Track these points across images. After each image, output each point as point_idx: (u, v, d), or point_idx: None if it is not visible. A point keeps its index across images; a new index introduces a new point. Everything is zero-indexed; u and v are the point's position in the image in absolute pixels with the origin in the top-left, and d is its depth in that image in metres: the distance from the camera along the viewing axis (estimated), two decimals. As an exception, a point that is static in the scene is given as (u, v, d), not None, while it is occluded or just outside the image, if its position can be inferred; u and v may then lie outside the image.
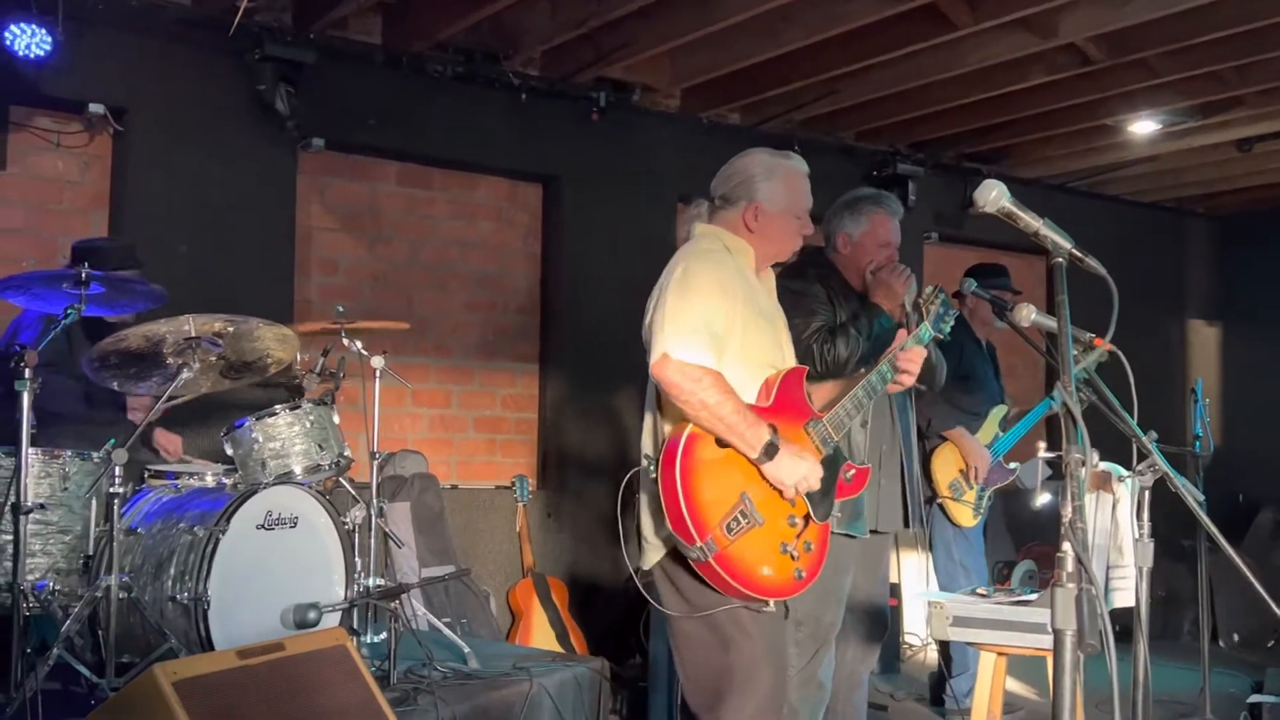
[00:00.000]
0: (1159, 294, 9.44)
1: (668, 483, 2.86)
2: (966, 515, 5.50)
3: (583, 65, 6.31)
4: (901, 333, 3.34)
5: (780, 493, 2.97)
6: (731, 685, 2.99)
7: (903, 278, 3.95)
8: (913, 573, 7.41)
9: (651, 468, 2.96)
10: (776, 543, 2.96)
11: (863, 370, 3.36)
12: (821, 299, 3.92)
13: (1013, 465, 5.60)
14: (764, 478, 2.95)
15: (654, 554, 3.04)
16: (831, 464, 3.11)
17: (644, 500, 3.05)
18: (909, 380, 3.28)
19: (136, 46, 5.39)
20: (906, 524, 4.07)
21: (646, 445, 3.10)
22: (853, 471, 3.20)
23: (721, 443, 2.93)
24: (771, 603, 2.97)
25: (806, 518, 3.03)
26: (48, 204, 5.42)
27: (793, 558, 2.98)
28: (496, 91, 6.34)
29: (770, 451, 2.91)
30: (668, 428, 3.01)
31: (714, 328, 2.98)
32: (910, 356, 3.25)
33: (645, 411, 3.14)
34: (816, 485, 3.01)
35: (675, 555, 2.96)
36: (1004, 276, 5.73)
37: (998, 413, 5.64)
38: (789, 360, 3.26)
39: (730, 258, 3.17)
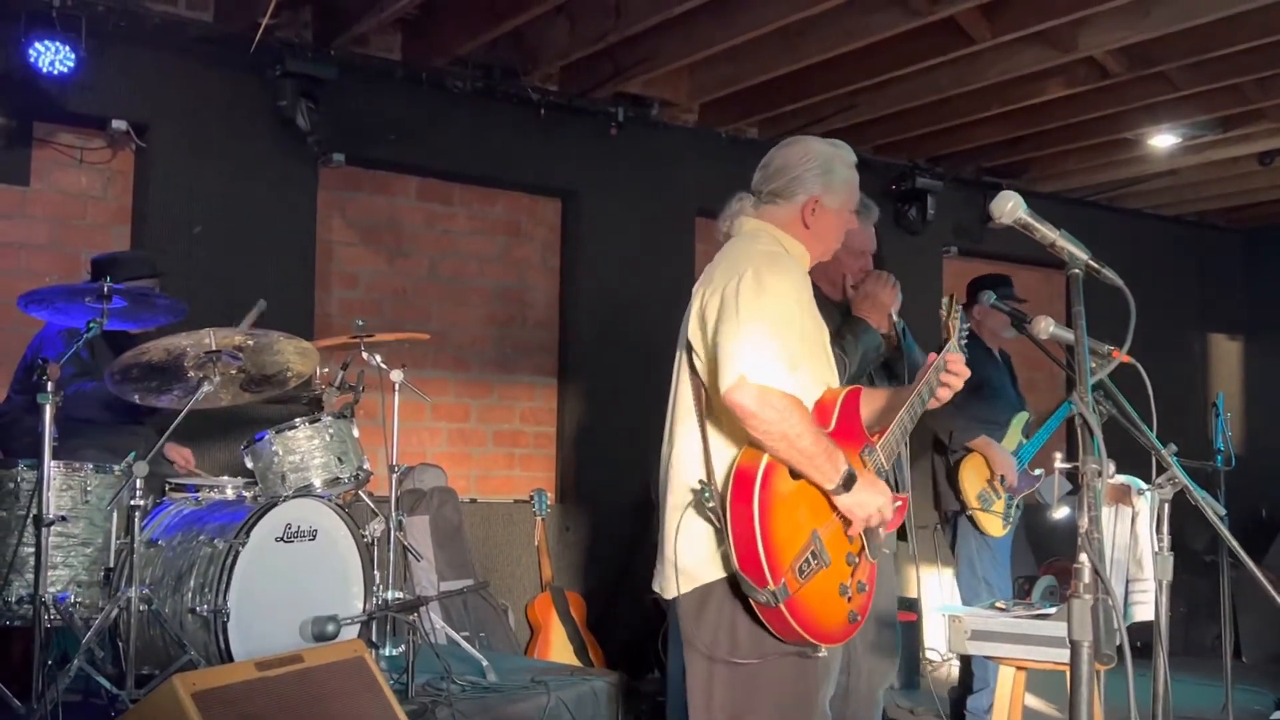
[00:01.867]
0: (1180, 308, 9.40)
1: (742, 518, 2.59)
2: (996, 525, 5.44)
3: (601, 80, 6.34)
4: (932, 355, 3.21)
5: (844, 529, 2.75)
6: None
7: (889, 287, 3.78)
8: (934, 588, 7.38)
9: (707, 493, 2.67)
10: (837, 584, 2.74)
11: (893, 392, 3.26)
12: None
13: (1038, 472, 5.55)
14: (833, 510, 2.73)
15: (689, 582, 2.74)
16: None
17: (689, 522, 2.74)
18: (947, 394, 3.05)
19: (158, 63, 5.44)
20: (902, 538, 3.96)
21: (690, 465, 2.78)
22: (898, 503, 2.95)
23: (794, 473, 2.67)
24: (823, 649, 2.73)
25: (860, 554, 2.81)
26: (71, 219, 5.47)
27: (848, 599, 2.77)
28: (515, 107, 6.36)
29: (849, 482, 2.68)
30: (728, 451, 2.73)
31: (790, 345, 2.72)
32: (955, 369, 3.04)
33: (681, 425, 2.85)
34: (889, 517, 2.79)
35: (732, 590, 2.67)
36: (1009, 286, 5.72)
37: (1020, 419, 5.61)
38: (835, 377, 3.01)
39: (794, 262, 2.91)
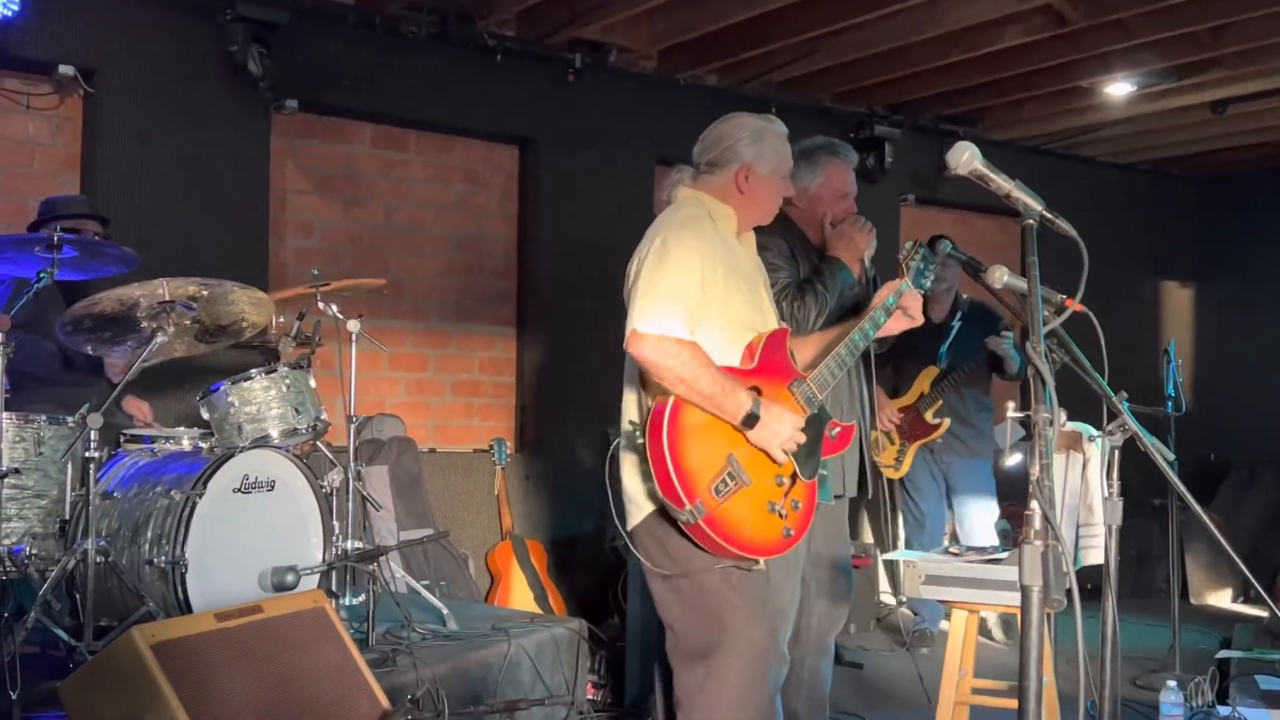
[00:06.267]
0: (1134, 255, 9.50)
1: (655, 448, 2.91)
2: (889, 470, 6.08)
3: (558, 26, 6.27)
4: (886, 288, 3.33)
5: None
6: (721, 643, 3.04)
7: (865, 230, 3.88)
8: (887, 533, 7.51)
9: (638, 433, 3.00)
10: (764, 502, 3.01)
11: (844, 327, 3.37)
12: (785, 254, 3.82)
13: (937, 420, 5.95)
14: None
15: (638, 514, 3.09)
16: (816, 422, 3.15)
17: (629, 462, 3.10)
18: (914, 321, 3.34)
19: (106, 6, 5.32)
20: (863, 489, 4.04)
21: (630, 411, 3.14)
22: (838, 429, 3.24)
23: None
24: (761, 561, 3.02)
25: (794, 476, 3.08)
26: (18, 167, 5.37)
27: (781, 516, 3.04)
28: (471, 52, 6.29)
29: (750, 422, 2.96)
30: (651, 397, 3.05)
31: (690, 298, 3.00)
32: (910, 300, 3.30)
33: (626, 380, 3.18)
34: (802, 440, 3.04)
35: (663, 516, 3.00)
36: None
37: (928, 374, 5.99)
38: (770, 322, 3.29)
39: (712, 223, 3.18)
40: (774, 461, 3.03)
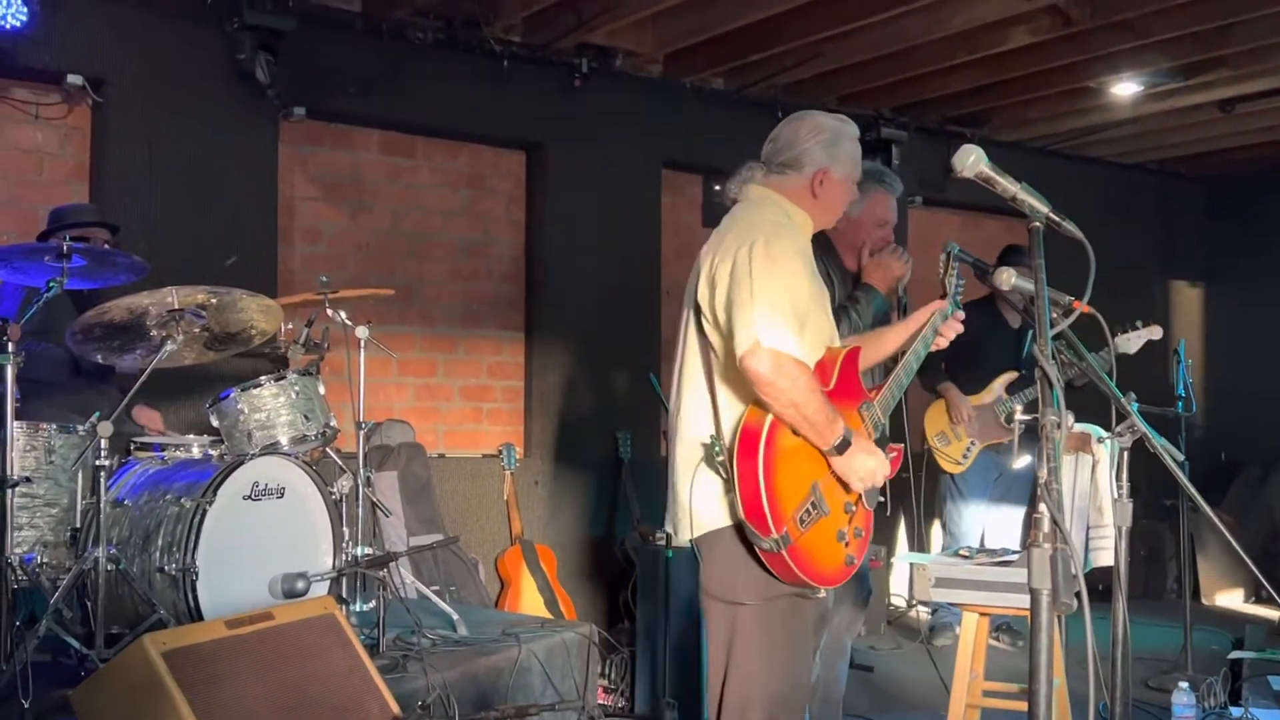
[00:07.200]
0: (1142, 255, 9.48)
1: (747, 472, 2.78)
2: (951, 464, 6.14)
3: (564, 31, 6.28)
4: (926, 309, 3.30)
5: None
6: (770, 668, 2.96)
7: (902, 260, 3.94)
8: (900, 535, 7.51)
9: (717, 447, 2.87)
10: (835, 531, 2.94)
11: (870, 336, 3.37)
12: (822, 276, 3.89)
13: (1014, 423, 5.99)
14: (830, 468, 2.92)
15: (698, 529, 2.96)
16: (879, 448, 3.06)
17: (701, 475, 2.95)
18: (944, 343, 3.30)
19: (114, 16, 5.34)
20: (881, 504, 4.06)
21: (698, 420, 2.99)
22: (894, 454, 3.15)
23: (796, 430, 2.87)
24: (822, 590, 2.97)
25: (858, 502, 3.01)
26: (27, 176, 5.39)
27: (845, 544, 2.97)
28: (478, 58, 6.30)
29: (842, 447, 2.87)
30: (736, 407, 2.92)
31: (799, 310, 2.89)
32: (952, 326, 3.27)
33: (688, 381, 3.04)
34: (882, 481, 2.97)
35: (735, 535, 2.88)
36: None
37: (1004, 378, 6.07)
38: (835, 335, 3.20)
39: (796, 230, 3.08)
40: (844, 487, 2.95)
